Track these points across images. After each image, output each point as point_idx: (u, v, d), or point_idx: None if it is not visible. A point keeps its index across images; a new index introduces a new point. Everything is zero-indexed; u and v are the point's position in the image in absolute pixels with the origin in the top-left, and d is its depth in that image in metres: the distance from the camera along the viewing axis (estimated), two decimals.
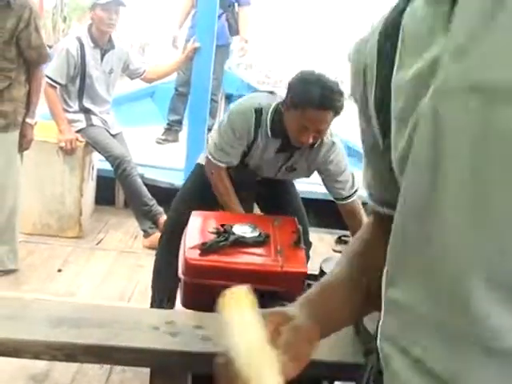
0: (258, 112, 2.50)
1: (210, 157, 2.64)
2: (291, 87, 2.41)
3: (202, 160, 2.87)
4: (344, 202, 2.61)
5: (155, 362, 1.64)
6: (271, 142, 2.54)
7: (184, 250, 2.03)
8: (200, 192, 2.75)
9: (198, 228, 2.17)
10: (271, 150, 2.56)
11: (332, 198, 2.67)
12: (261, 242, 2.08)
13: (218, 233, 2.08)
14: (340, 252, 2.14)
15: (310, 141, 2.41)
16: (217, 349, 1.58)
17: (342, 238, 4.38)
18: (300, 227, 2.12)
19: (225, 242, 2.02)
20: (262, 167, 2.68)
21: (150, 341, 1.61)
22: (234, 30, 5.43)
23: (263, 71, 10.41)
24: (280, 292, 2.00)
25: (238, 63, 6.53)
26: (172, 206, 2.95)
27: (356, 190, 2.62)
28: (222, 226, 2.12)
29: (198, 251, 2.00)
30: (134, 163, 4.10)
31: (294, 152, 2.56)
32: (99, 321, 1.63)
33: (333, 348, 1.67)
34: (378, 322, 1.58)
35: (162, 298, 2.90)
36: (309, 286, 2.21)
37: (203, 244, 2.00)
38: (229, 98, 6.88)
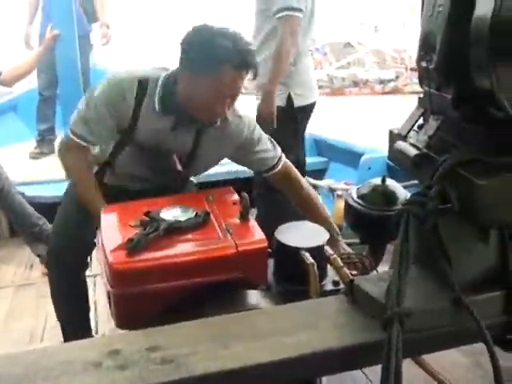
0: (143, 83, 1.98)
1: (69, 132, 2.10)
2: (193, 48, 1.89)
3: None
4: (275, 170, 2.18)
5: None
6: (160, 122, 2.02)
7: (105, 255, 1.54)
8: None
9: (116, 224, 1.68)
10: (162, 132, 2.04)
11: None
12: (201, 223, 1.63)
13: (143, 224, 1.61)
14: None
15: (226, 110, 1.95)
16: (183, 372, 1.15)
17: None
18: (244, 194, 1.68)
19: (155, 232, 1.55)
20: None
21: None
22: (91, 17, 4.86)
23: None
24: (240, 278, 1.57)
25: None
26: (52, 236, 2.47)
27: (279, 151, 2.21)
28: (147, 214, 1.64)
29: (124, 252, 1.52)
30: (11, 180, 3.50)
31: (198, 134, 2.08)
32: (14, 375, 1.13)
33: (327, 330, 1.27)
34: (389, 286, 1.16)
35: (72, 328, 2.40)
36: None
37: (129, 241, 1.52)
38: None
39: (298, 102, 3.27)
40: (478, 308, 1.21)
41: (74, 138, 2.07)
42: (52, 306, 2.42)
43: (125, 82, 1.99)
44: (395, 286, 1.18)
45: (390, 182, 1.92)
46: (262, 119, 3.09)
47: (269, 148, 2.18)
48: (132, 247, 1.50)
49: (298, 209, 2.19)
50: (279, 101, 3.19)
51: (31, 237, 3.53)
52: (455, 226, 1.27)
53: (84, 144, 2.07)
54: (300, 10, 3.10)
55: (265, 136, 2.19)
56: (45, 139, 4.97)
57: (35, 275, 3.60)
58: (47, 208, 3.71)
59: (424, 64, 1.39)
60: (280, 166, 2.19)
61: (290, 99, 3.24)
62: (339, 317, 1.31)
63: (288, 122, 3.25)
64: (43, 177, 4.37)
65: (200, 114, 1.95)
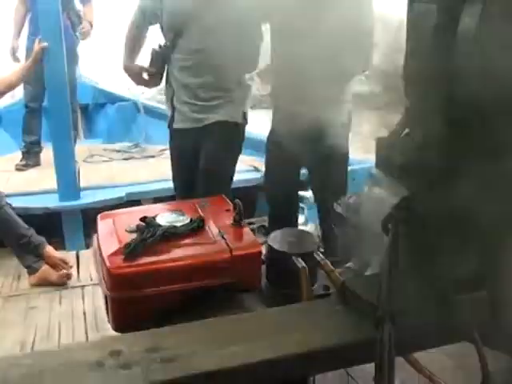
0: None
1: None
2: None
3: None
4: None
5: None
6: None
7: (103, 260, 1.58)
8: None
9: (113, 230, 1.71)
10: None
11: None
12: (195, 228, 1.67)
13: (139, 229, 1.65)
14: None
15: None
16: (184, 370, 1.20)
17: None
18: (237, 201, 1.73)
19: (152, 237, 1.59)
20: None
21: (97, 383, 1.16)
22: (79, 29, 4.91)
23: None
24: (234, 283, 1.61)
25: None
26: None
27: None
28: (143, 220, 1.68)
29: (121, 256, 1.55)
30: (1, 191, 3.51)
31: None
32: (20, 375, 1.16)
33: (319, 330, 1.32)
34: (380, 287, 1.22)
35: None
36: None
37: (126, 246, 1.56)
38: (86, 110, 6.35)
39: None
40: (466, 307, 1.26)
41: None
42: (41, 316, 2.43)
43: None
44: (385, 285, 1.24)
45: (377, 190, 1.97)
46: None
47: None
48: (129, 252, 1.54)
49: None
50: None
51: (19, 249, 3.52)
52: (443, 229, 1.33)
53: None
54: None
55: None
56: (30, 151, 4.98)
57: (23, 286, 3.58)
58: (36, 219, 3.73)
59: (409, 78, 1.45)
60: None
61: (350, 115, 2.97)
62: (332, 317, 1.36)
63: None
64: (29, 188, 4.38)
65: None
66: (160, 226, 1.64)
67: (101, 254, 1.60)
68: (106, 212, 1.88)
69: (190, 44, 2.72)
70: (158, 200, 4.07)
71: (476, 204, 1.27)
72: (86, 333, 2.91)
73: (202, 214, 1.77)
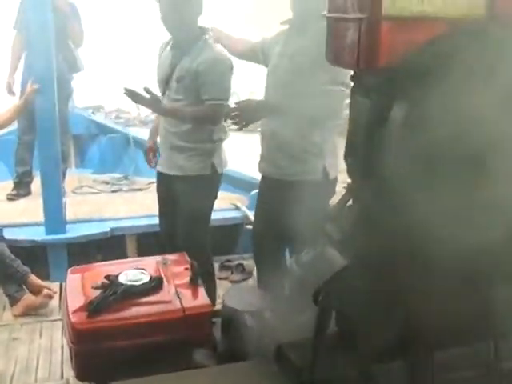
0: None
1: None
2: None
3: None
4: None
5: None
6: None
7: (68, 315, 1.74)
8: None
9: (79, 286, 1.89)
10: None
11: None
12: (153, 287, 1.84)
13: (103, 287, 1.82)
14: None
15: None
16: None
17: (225, 263, 4.20)
18: (193, 263, 1.90)
19: (113, 295, 1.76)
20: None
21: None
22: (74, 67, 5.08)
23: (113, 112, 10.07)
24: (186, 340, 1.77)
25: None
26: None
27: None
28: (107, 277, 1.85)
29: (85, 313, 1.72)
30: None
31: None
32: None
33: None
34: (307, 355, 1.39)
35: None
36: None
37: (89, 303, 1.73)
38: (78, 139, 6.50)
39: (333, 173, 2.82)
40: (385, 376, 1.42)
41: None
42: (22, 348, 2.50)
43: None
44: (312, 354, 1.40)
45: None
46: None
47: None
48: (92, 309, 1.71)
49: None
50: (313, 174, 2.73)
51: (5, 278, 3.63)
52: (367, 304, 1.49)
53: None
54: None
55: None
56: (22, 181, 5.11)
57: (7, 317, 3.66)
58: (21, 251, 3.84)
59: (350, 160, 1.63)
60: None
61: (325, 171, 2.77)
62: (267, 378, 1.52)
63: (324, 197, 2.68)
64: (18, 219, 4.48)
65: None
66: (122, 284, 1.80)
67: (67, 309, 1.77)
68: (77, 267, 2.04)
69: (169, 94, 2.92)
70: (142, 236, 4.24)
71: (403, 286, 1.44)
72: (62, 367, 3.01)
73: (162, 272, 1.93)
